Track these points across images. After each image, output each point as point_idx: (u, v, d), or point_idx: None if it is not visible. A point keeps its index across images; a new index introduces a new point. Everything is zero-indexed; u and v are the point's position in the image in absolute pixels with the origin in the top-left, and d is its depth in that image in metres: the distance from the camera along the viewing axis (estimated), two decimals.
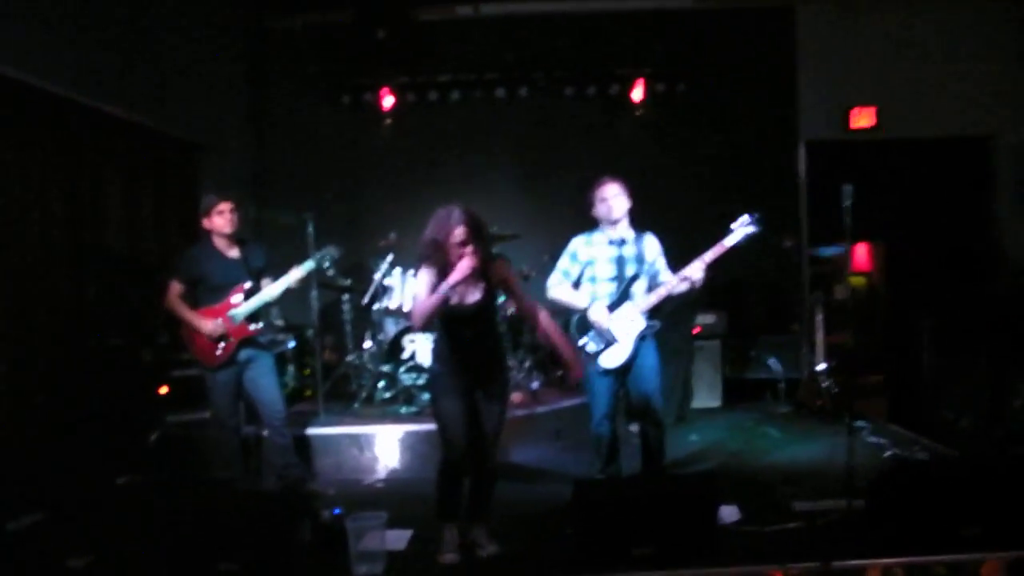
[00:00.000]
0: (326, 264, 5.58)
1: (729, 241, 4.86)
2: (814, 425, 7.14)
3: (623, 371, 4.98)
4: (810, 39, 8.82)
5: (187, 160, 7.51)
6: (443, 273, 4.13)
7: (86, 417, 5.65)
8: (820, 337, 7.66)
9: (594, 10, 8.87)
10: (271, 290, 5.29)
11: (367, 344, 7.16)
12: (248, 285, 5.27)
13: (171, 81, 7.18)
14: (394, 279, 7.03)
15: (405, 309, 6.89)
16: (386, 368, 6.90)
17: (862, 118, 8.72)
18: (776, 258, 8.60)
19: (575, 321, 5.00)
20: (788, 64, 8.82)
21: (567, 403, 6.95)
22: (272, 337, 6.96)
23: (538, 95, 8.88)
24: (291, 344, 7.38)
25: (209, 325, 5.15)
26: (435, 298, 4.10)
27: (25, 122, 5.46)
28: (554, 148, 8.96)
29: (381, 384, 6.92)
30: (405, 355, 6.89)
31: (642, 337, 4.94)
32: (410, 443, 6.14)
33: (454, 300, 4.17)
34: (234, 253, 5.33)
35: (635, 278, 4.97)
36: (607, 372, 4.95)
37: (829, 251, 8.86)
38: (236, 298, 5.22)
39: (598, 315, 4.91)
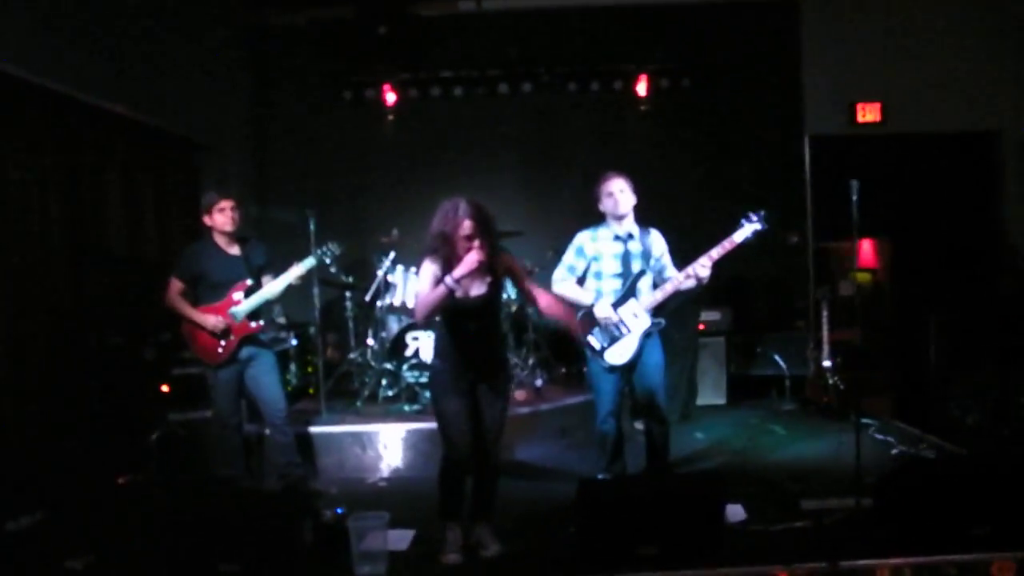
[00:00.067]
0: (327, 261, 5.55)
1: (737, 237, 4.80)
2: (820, 422, 7.08)
3: (628, 368, 4.93)
4: (815, 33, 8.76)
5: (188, 158, 7.47)
6: (448, 266, 4.07)
7: (86, 416, 5.62)
8: (826, 333, 7.59)
9: (597, 5, 8.81)
10: (272, 287, 5.26)
11: (370, 341, 7.11)
12: (249, 282, 5.23)
13: (172, 79, 7.13)
14: (397, 276, 6.99)
15: (408, 306, 6.84)
16: (389, 366, 6.85)
17: (867, 113, 8.67)
18: (781, 254, 8.55)
19: (580, 317, 4.94)
20: (793, 59, 8.77)
21: (571, 400, 6.90)
22: (275, 335, 6.95)
23: (541, 91, 8.83)
24: (293, 342, 7.34)
25: (212, 320, 5.12)
26: (440, 291, 4.04)
27: (24, 120, 5.42)
28: (557, 144, 8.93)
29: (384, 382, 6.87)
30: (408, 352, 6.85)
31: (647, 334, 4.89)
32: (413, 441, 6.10)
33: (459, 293, 4.11)
34: (235, 251, 5.30)
35: (641, 274, 4.92)
36: (612, 369, 4.90)
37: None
38: (237, 295, 5.18)
39: (603, 311, 4.86)
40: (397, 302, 6.90)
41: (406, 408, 6.56)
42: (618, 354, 4.87)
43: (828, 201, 8.56)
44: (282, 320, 7.87)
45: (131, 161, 6.55)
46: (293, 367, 7.32)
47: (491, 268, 4.17)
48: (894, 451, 6.04)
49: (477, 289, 4.19)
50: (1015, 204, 8.64)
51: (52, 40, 5.64)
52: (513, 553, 4.34)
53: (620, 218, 4.96)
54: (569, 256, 5.06)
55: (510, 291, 7.00)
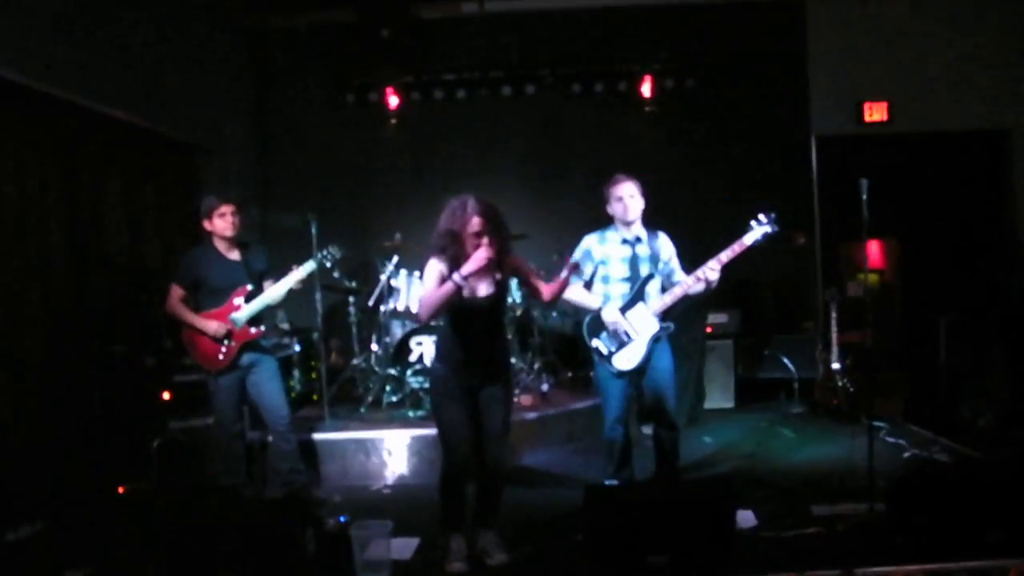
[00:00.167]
0: (328, 264, 5.50)
1: (747, 240, 4.73)
2: (830, 425, 7.00)
3: (637, 373, 4.85)
4: (821, 33, 8.68)
5: (189, 162, 7.42)
6: (456, 265, 3.99)
7: (86, 424, 5.55)
8: (834, 335, 7.52)
9: (601, 5, 8.75)
10: (272, 292, 5.20)
11: (374, 347, 7.05)
12: (249, 288, 5.17)
13: (173, 83, 7.08)
14: (400, 280, 6.93)
15: (412, 311, 6.78)
16: (393, 371, 6.79)
17: (875, 112, 8.59)
18: (789, 255, 8.47)
19: (587, 322, 4.87)
20: (799, 58, 8.69)
21: (578, 405, 6.85)
22: (277, 341, 6.90)
23: (545, 93, 8.78)
24: (297, 348, 7.29)
25: (213, 325, 5.07)
26: (447, 288, 3.96)
27: (23, 124, 5.37)
28: (562, 146, 8.88)
29: (388, 387, 6.81)
30: (412, 358, 6.79)
31: (656, 339, 4.82)
32: (417, 448, 6.03)
33: (466, 293, 4.03)
34: (235, 256, 5.24)
35: (649, 278, 4.85)
36: (620, 374, 4.82)
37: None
38: (237, 301, 5.13)
39: (611, 316, 4.78)
40: (401, 307, 6.84)
41: (410, 414, 6.49)
42: (626, 359, 4.79)
43: (836, 202, 8.53)
44: (286, 326, 7.82)
45: (132, 166, 6.50)
46: (297, 373, 7.27)
47: (499, 267, 4.10)
48: (906, 454, 5.96)
49: (485, 289, 4.12)
50: None
51: (52, 45, 5.59)
52: (519, 561, 4.27)
53: (629, 224, 4.89)
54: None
55: (515, 294, 6.95)
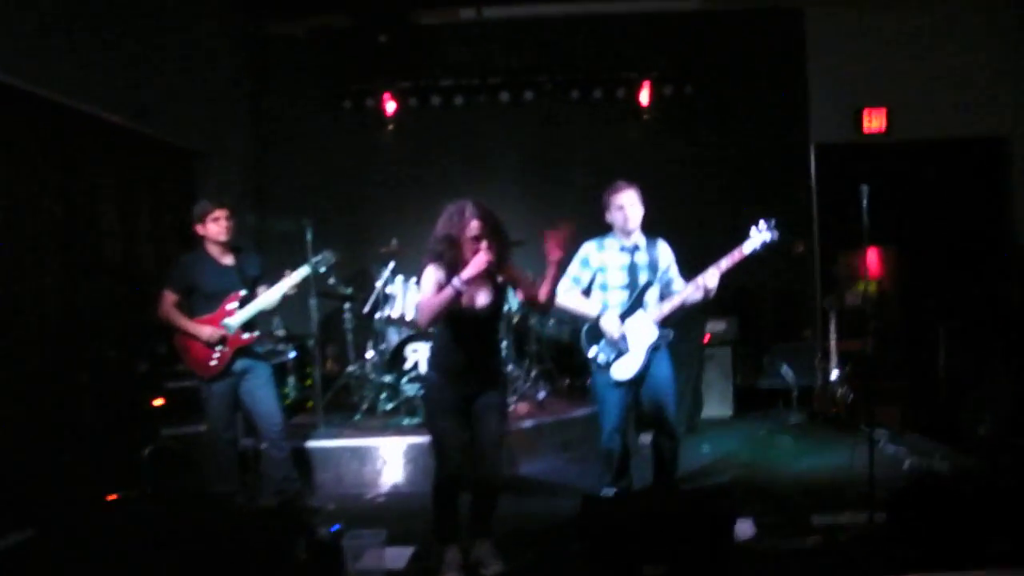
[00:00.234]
0: (322, 269, 5.45)
1: (746, 248, 4.69)
2: (829, 434, 6.95)
3: (635, 382, 4.80)
4: (819, 40, 8.67)
5: (186, 167, 7.38)
6: (453, 270, 3.94)
7: (77, 430, 5.50)
8: (833, 343, 7.47)
9: (599, 12, 8.73)
10: (266, 298, 5.14)
11: (369, 354, 6.99)
12: (243, 293, 5.12)
13: (170, 87, 7.05)
14: (396, 287, 6.87)
15: (408, 318, 6.73)
16: (388, 378, 6.73)
17: (873, 120, 8.58)
18: (787, 263, 8.44)
19: (585, 330, 4.82)
20: (797, 66, 8.67)
21: (575, 413, 6.79)
22: (272, 347, 6.84)
23: (543, 99, 8.73)
24: (292, 354, 7.24)
25: (207, 331, 5.02)
26: (446, 293, 3.89)
27: (17, 127, 5.33)
28: (560, 153, 8.84)
29: (383, 395, 6.75)
30: (407, 365, 6.72)
31: (655, 347, 4.76)
32: (412, 456, 5.98)
33: (464, 302, 3.97)
34: (228, 260, 5.19)
35: (648, 286, 4.80)
36: (618, 384, 4.77)
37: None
38: (231, 306, 5.07)
39: (610, 324, 4.73)
40: (396, 314, 6.79)
41: (405, 422, 6.43)
42: (625, 368, 4.74)
43: (834, 209, 8.50)
44: (281, 332, 7.77)
45: (127, 170, 6.47)
46: (291, 380, 7.22)
47: (499, 270, 4.04)
48: (906, 463, 5.89)
49: (482, 299, 4.07)
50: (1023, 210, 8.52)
51: (48, 48, 5.55)
52: (514, 572, 4.22)
53: (629, 232, 4.84)
54: (574, 267, 4.94)
55: (512, 302, 6.90)
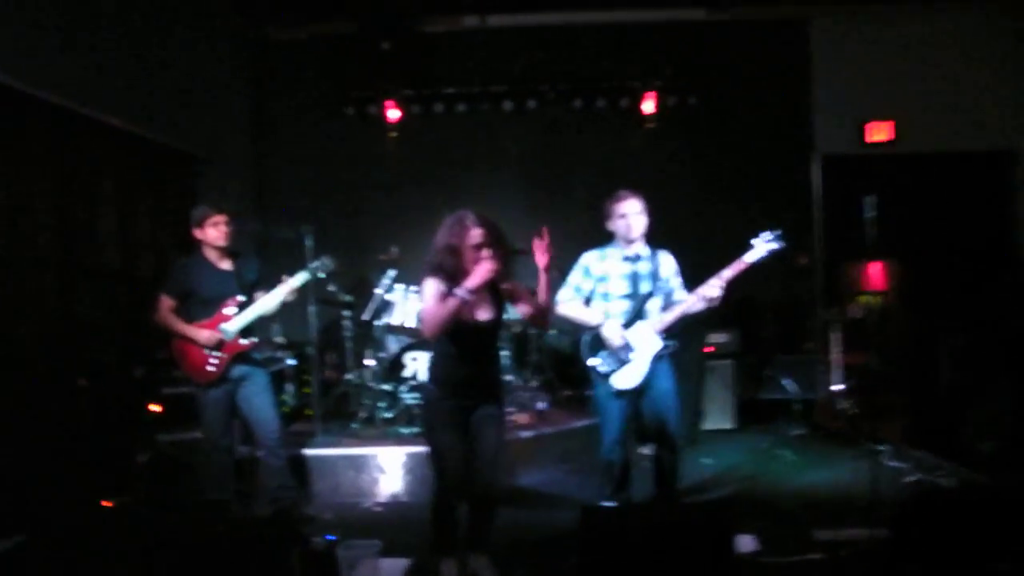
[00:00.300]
0: (321, 275, 5.39)
1: (750, 257, 4.63)
2: (831, 448, 6.90)
3: (637, 393, 4.74)
4: (825, 51, 8.68)
5: (186, 172, 7.34)
6: (454, 281, 3.87)
7: (72, 435, 5.43)
8: (836, 356, 7.42)
9: (604, 21, 8.72)
10: (264, 303, 5.08)
11: (368, 362, 6.93)
12: (240, 298, 5.06)
13: (171, 92, 7.03)
14: (396, 295, 6.82)
15: (407, 326, 6.68)
16: (387, 387, 6.68)
17: (879, 132, 8.55)
18: (790, 275, 8.40)
19: (587, 340, 4.76)
20: (803, 77, 8.67)
21: (575, 424, 6.73)
22: (271, 354, 6.78)
23: (546, 108, 8.72)
24: (290, 362, 7.18)
25: (204, 334, 4.96)
26: (451, 303, 3.81)
27: (17, 131, 5.29)
28: (562, 162, 8.82)
29: (382, 403, 6.69)
30: (407, 373, 6.67)
31: (658, 357, 4.71)
32: (411, 465, 5.91)
33: (464, 314, 3.90)
34: (226, 265, 5.13)
35: (650, 296, 4.75)
36: (620, 394, 4.71)
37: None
38: (228, 311, 5.02)
39: (612, 332, 4.67)
40: (396, 322, 6.73)
41: (404, 431, 6.37)
42: (626, 378, 4.68)
43: (838, 221, 8.46)
44: (280, 339, 7.71)
45: (126, 174, 6.42)
46: (290, 387, 7.16)
47: (505, 278, 3.98)
48: (909, 478, 5.83)
49: (483, 311, 4.01)
50: None
51: (48, 51, 5.52)
52: None
53: (632, 242, 4.79)
54: (575, 276, 4.89)
55: (512, 312, 6.84)
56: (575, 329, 4.93)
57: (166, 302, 5.03)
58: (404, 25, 8.48)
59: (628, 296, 4.76)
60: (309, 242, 5.93)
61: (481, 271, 3.82)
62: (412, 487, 5.89)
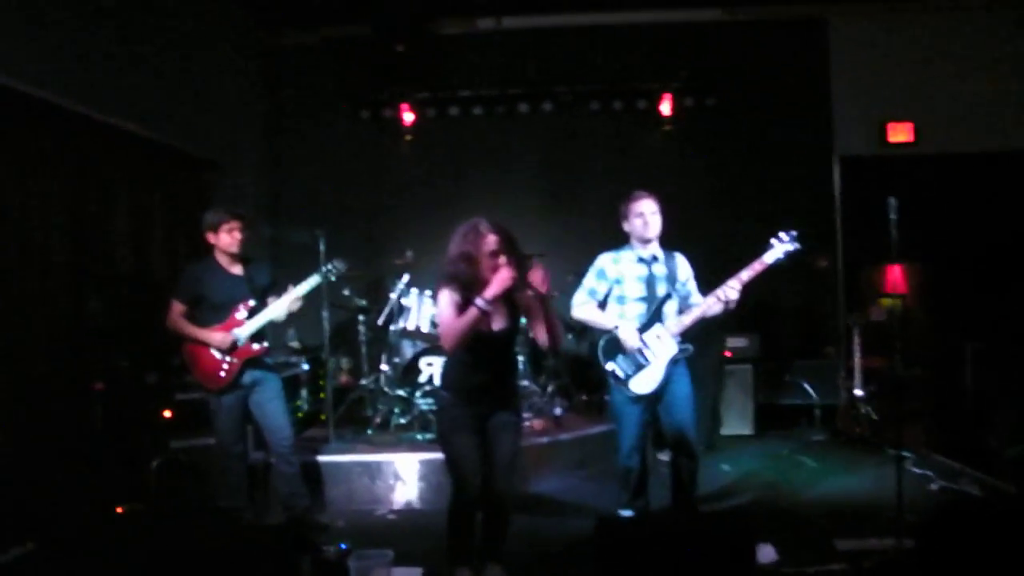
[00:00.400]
0: (332, 278, 5.34)
1: (768, 258, 4.55)
2: (853, 454, 6.80)
3: (654, 399, 4.66)
4: (844, 52, 8.56)
5: (200, 176, 7.31)
6: (470, 291, 3.80)
7: (85, 441, 5.40)
8: (857, 361, 7.30)
9: (620, 22, 8.63)
10: (275, 308, 5.03)
11: (383, 367, 6.87)
12: (252, 303, 5.01)
13: (185, 97, 7.01)
14: (411, 299, 6.76)
15: (423, 330, 6.62)
16: (402, 392, 6.61)
17: (899, 133, 8.43)
18: (810, 278, 8.29)
19: (602, 343, 4.68)
20: (822, 77, 8.55)
21: (592, 430, 6.66)
22: (285, 359, 6.74)
23: (562, 110, 8.64)
24: (305, 367, 7.13)
25: (218, 336, 4.93)
26: (471, 314, 3.74)
27: (32, 136, 5.27)
28: (579, 164, 8.74)
29: (396, 409, 6.62)
30: (422, 378, 6.61)
31: (674, 361, 4.62)
32: (425, 472, 5.85)
33: (481, 325, 3.82)
34: (237, 270, 5.09)
35: (667, 298, 4.67)
36: (637, 399, 4.63)
37: None
38: (240, 316, 4.97)
39: (628, 335, 4.59)
40: (411, 326, 6.68)
41: (418, 437, 6.31)
42: (644, 383, 4.60)
43: (859, 224, 8.34)
44: (295, 344, 7.69)
45: (140, 179, 6.40)
46: (304, 392, 7.12)
47: (513, 297, 3.90)
48: (933, 486, 5.72)
49: (499, 323, 3.93)
50: None
51: (61, 57, 5.50)
52: None
53: (647, 241, 4.72)
54: (590, 279, 4.82)
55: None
56: (591, 333, 4.85)
57: (177, 307, 5.00)
58: (419, 27, 8.43)
59: (644, 299, 4.69)
60: (322, 245, 5.87)
61: (500, 280, 3.74)
62: (426, 494, 5.82)
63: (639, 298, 4.69)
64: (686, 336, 4.67)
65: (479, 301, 3.73)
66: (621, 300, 4.73)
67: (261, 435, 5.34)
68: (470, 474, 3.93)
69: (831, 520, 5.03)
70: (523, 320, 4.20)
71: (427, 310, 6.68)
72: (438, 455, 5.61)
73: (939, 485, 5.73)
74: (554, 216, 8.54)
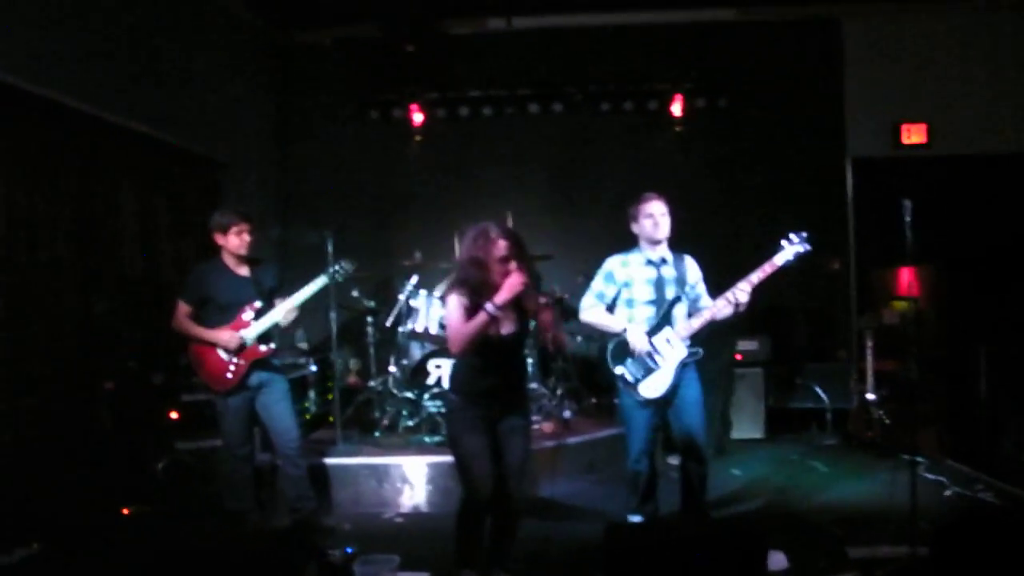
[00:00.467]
0: (339, 279, 5.31)
1: (779, 260, 4.51)
2: (865, 459, 6.74)
3: (663, 403, 4.61)
4: (857, 53, 8.49)
5: (209, 177, 7.30)
6: (479, 295, 3.76)
7: (91, 443, 5.39)
8: (870, 364, 7.23)
9: (631, 22, 8.57)
10: (282, 309, 4.99)
11: (391, 368, 6.83)
12: (258, 304, 4.98)
13: (194, 97, 7.01)
14: (419, 301, 6.72)
15: (431, 332, 6.58)
16: (410, 394, 6.57)
17: (913, 134, 8.36)
18: (822, 281, 8.22)
19: (611, 347, 4.63)
20: (835, 78, 8.49)
21: (601, 434, 6.60)
22: (293, 360, 6.71)
23: (573, 110, 8.59)
24: (313, 368, 7.10)
25: (225, 336, 4.89)
26: (480, 320, 3.71)
27: (39, 135, 5.26)
28: (589, 166, 8.68)
29: (404, 411, 6.58)
30: (430, 380, 6.56)
31: (684, 365, 4.57)
32: (432, 476, 5.81)
33: (490, 330, 3.78)
34: (244, 272, 5.06)
35: (676, 301, 4.62)
36: (646, 403, 4.58)
37: None
38: (246, 317, 4.94)
39: (637, 338, 4.54)
40: (419, 328, 6.63)
41: (427, 439, 6.27)
42: (653, 387, 4.55)
43: (871, 226, 8.27)
44: (304, 345, 7.66)
45: (148, 179, 6.39)
46: (312, 394, 7.08)
47: (520, 302, 3.86)
48: (947, 492, 5.65)
49: (508, 327, 3.89)
50: None
51: (70, 57, 5.49)
52: None
53: (656, 243, 4.67)
54: (598, 282, 4.77)
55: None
56: (601, 336, 4.81)
57: (183, 308, 4.98)
58: (429, 28, 8.40)
59: (653, 302, 4.65)
60: (330, 246, 5.83)
61: (511, 285, 3.71)
62: (434, 498, 5.78)
63: (648, 301, 4.64)
64: (696, 339, 4.62)
65: (489, 306, 3.70)
66: (630, 303, 4.68)
67: (268, 437, 5.31)
68: (482, 476, 3.88)
69: (842, 526, 4.96)
70: (532, 323, 4.16)
71: (436, 311, 6.64)
72: (446, 458, 5.62)
73: (953, 491, 5.66)
74: (564, 217, 8.50)
